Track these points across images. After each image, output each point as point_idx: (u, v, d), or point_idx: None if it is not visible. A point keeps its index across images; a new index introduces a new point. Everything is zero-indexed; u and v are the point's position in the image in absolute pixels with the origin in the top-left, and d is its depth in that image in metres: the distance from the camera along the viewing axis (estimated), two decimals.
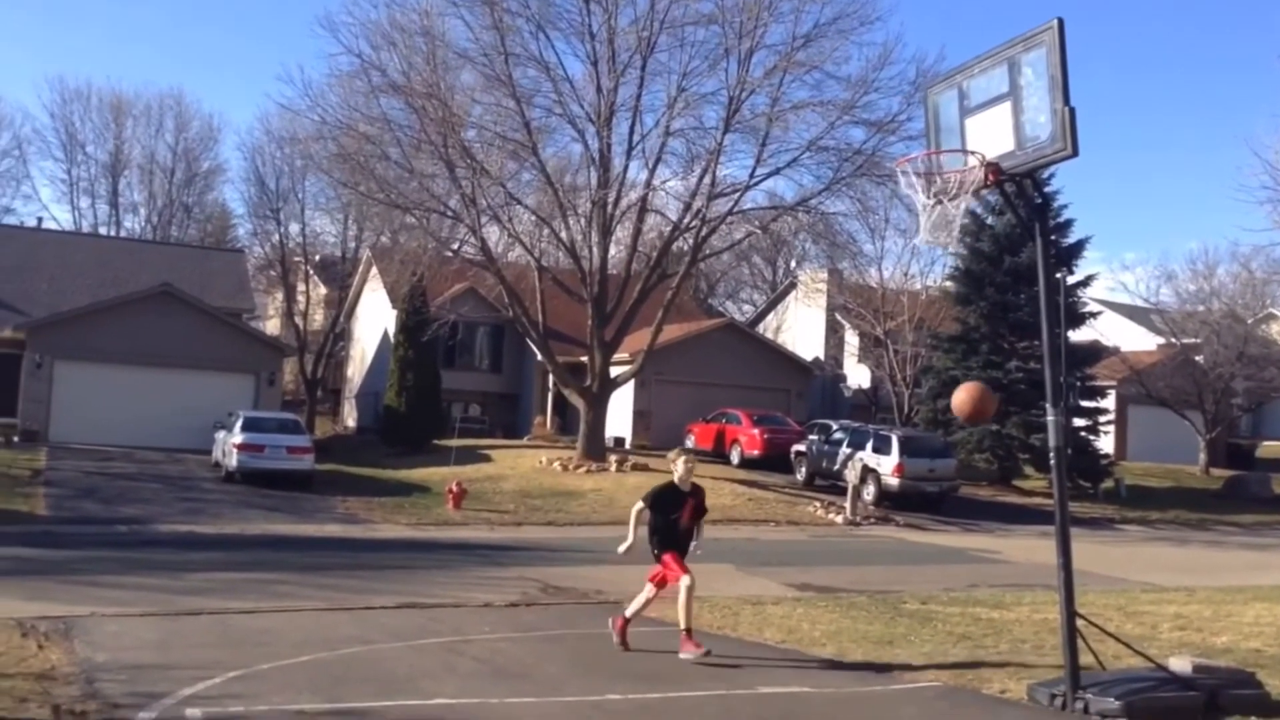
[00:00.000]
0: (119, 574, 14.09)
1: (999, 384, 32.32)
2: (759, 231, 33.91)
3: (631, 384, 33.82)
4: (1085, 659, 8.17)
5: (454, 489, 24.48)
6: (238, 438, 26.14)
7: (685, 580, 9.33)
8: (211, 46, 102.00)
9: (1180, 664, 8.27)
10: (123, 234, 56.32)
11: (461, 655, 9.38)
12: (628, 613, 9.77)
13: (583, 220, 31.15)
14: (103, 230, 56.77)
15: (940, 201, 8.52)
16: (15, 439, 30.13)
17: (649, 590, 9.66)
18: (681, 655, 9.16)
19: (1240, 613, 13.02)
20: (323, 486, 26.40)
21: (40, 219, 52.69)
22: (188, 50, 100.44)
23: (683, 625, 9.33)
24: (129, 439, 30.61)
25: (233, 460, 25.98)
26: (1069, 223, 34.61)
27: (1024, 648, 10.36)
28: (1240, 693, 7.92)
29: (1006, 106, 8.38)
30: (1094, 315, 35.85)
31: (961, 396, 8.93)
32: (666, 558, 9.50)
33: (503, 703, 7.66)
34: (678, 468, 9.67)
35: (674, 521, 9.56)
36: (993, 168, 8.39)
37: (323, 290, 53.82)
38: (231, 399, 31.35)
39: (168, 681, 7.89)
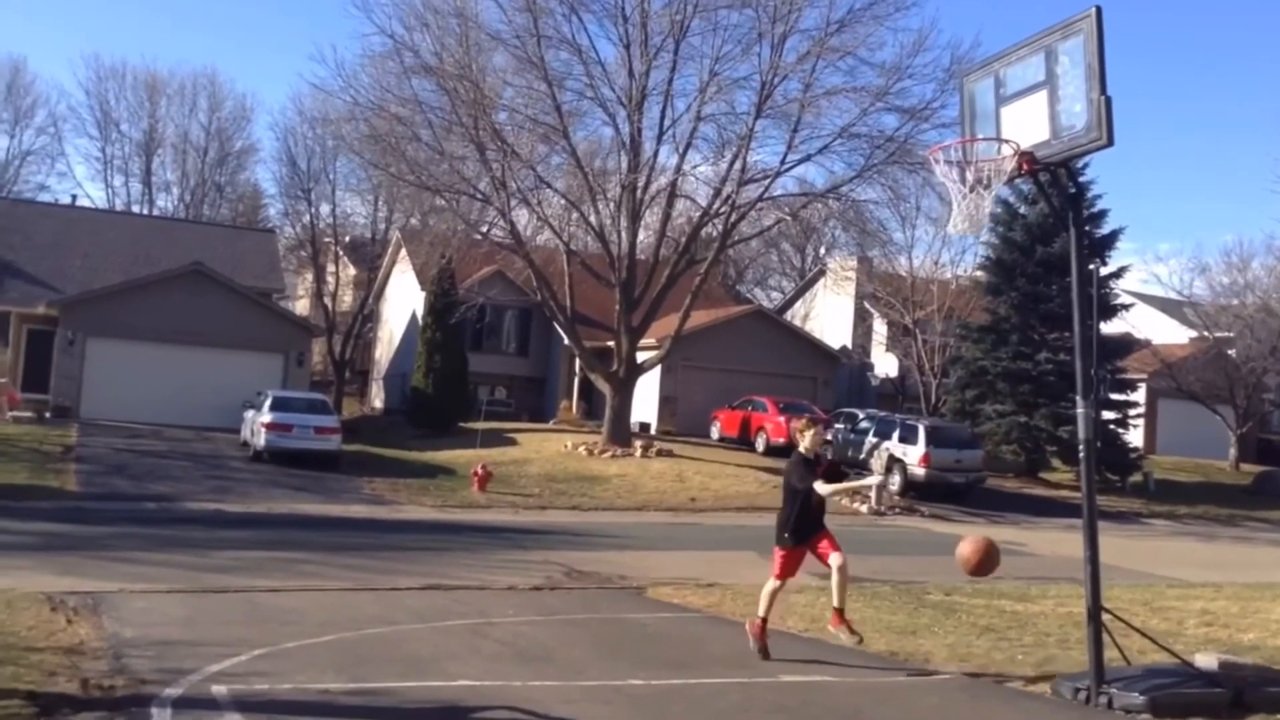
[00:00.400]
0: (147, 551, 14.25)
1: (1028, 375, 32.19)
2: (789, 218, 33.79)
3: (658, 370, 33.80)
4: (1110, 654, 8.11)
5: (479, 472, 24.59)
6: (266, 417, 26.33)
7: (773, 583, 9.03)
8: (245, 25, 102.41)
9: (1206, 660, 8.20)
10: (155, 212, 56.82)
11: (485, 637, 9.42)
12: (760, 613, 9.13)
13: (612, 205, 31.11)
14: (136, 209, 57.30)
15: (975, 189, 8.44)
16: (47, 415, 30.45)
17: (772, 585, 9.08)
18: (832, 628, 8.98)
19: (1268, 610, 12.89)
20: (349, 467, 26.57)
21: (75, 197, 53.31)
22: (222, 28, 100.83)
23: (836, 604, 8.87)
24: (159, 416, 30.87)
25: (261, 439, 26.17)
26: (1103, 213, 34.30)
27: (1049, 641, 10.30)
28: (1267, 690, 7.84)
29: (1042, 95, 8.30)
30: (1126, 307, 35.53)
31: (965, 551, 8.58)
32: (780, 555, 9.00)
33: (525, 685, 7.68)
34: (805, 439, 9.00)
35: (807, 497, 8.81)
36: (1027, 157, 8.31)
37: (352, 271, 54.11)
38: (260, 378, 31.54)
39: (194, 658, 7.96)
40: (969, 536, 8.68)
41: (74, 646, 8.33)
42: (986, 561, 8.68)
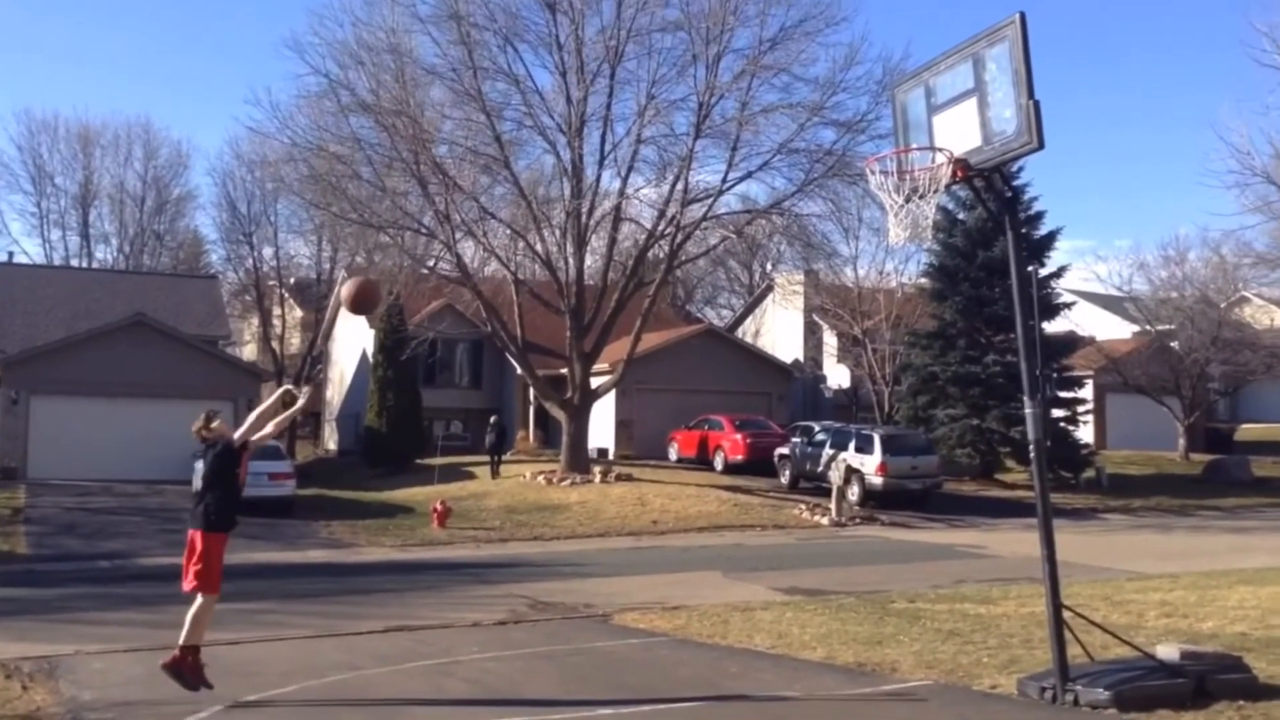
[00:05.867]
0: (102, 610, 13.97)
1: (978, 378, 32.51)
2: (734, 236, 33.95)
3: (613, 394, 33.77)
4: (1073, 650, 8.18)
5: (438, 508, 24.39)
6: None
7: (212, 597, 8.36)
8: (178, 72, 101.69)
9: (1167, 651, 8.29)
10: (95, 265, 56.04)
11: (450, 676, 9.32)
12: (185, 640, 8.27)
13: (557, 232, 31.12)
14: (74, 262, 56.54)
15: (909, 199, 8.53)
16: None
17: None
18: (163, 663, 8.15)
19: (1225, 597, 13.08)
20: (305, 512, 26.23)
21: (11, 254, 52.34)
22: (154, 77, 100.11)
23: (195, 641, 8.25)
24: (108, 472, 30.34)
25: None
26: (1040, 215, 34.78)
27: (1013, 642, 10.37)
28: (1228, 677, 7.94)
29: (972, 102, 8.40)
30: (1068, 306, 36.01)
31: (348, 289, 8.33)
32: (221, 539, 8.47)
33: None
34: (222, 425, 8.77)
35: (240, 489, 8.67)
36: (961, 163, 8.41)
37: (299, 313, 53.66)
38: None
39: (155, 717, 7.83)
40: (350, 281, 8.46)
41: (30, 714, 8.14)
42: (362, 298, 8.33)
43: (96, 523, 23.97)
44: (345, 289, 8.14)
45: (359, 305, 8.27)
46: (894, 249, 38.78)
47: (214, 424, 8.70)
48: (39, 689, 8.97)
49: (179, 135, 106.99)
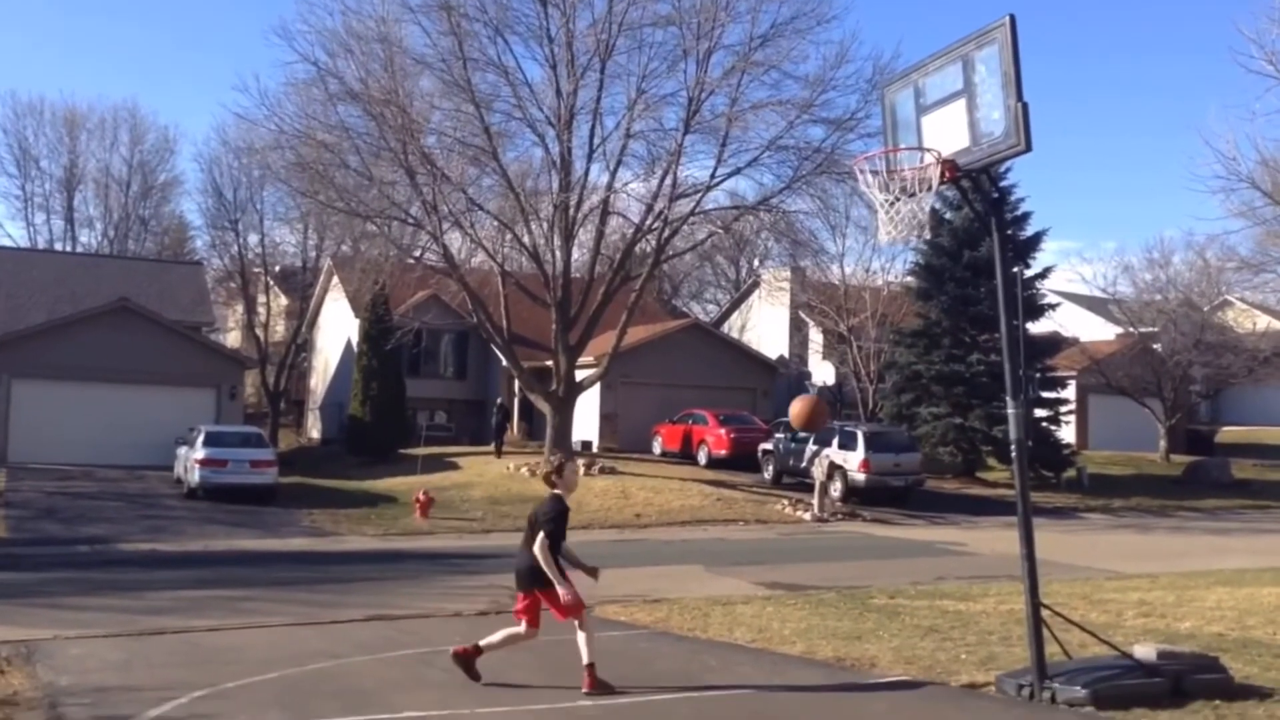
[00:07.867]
0: (81, 595, 13.92)
1: (961, 377, 32.66)
2: (721, 231, 33.97)
3: (598, 387, 33.79)
4: (1051, 648, 8.23)
5: (421, 498, 24.38)
6: (199, 453, 25.87)
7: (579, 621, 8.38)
8: (165, 58, 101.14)
9: (1145, 651, 8.35)
10: (79, 249, 55.72)
11: (431, 666, 9.32)
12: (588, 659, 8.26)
13: (545, 224, 31.08)
14: (58, 246, 56.17)
15: (897, 199, 8.55)
16: None
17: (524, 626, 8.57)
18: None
19: (1203, 598, 13.18)
20: (287, 500, 26.18)
21: None
22: (141, 62, 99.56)
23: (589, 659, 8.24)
24: (90, 457, 30.24)
25: (195, 476, 25.71)
26: (1026, 215, 34.89)
27: (991, 639, 10.43)
28: (1204, 678, 8.00)
29: (961, 103, 8.42)
30: (1053, 307, 36.16)
31: (797, 408, 8.52)
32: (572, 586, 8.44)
33: (474, 713, 7.62)
34: (572, 477, 8.62)
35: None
36: (949, 164, 8.43)
37: (284, 301, 53.45)
38: (193, 414, 31.02)
39: (132, 703, 7.78)
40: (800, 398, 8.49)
41: (7, 698, 8.11)
42: (811, 425, 8.44)
43: (77, 507, 23.88)
44: (797, 407, 7.93)
45: (810, 423, 8.14)
46: (880, 247, 38.92)
47: (565, 472, 8.54)
48: (16, 673, 8.93)
49: (166, 121, 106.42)
